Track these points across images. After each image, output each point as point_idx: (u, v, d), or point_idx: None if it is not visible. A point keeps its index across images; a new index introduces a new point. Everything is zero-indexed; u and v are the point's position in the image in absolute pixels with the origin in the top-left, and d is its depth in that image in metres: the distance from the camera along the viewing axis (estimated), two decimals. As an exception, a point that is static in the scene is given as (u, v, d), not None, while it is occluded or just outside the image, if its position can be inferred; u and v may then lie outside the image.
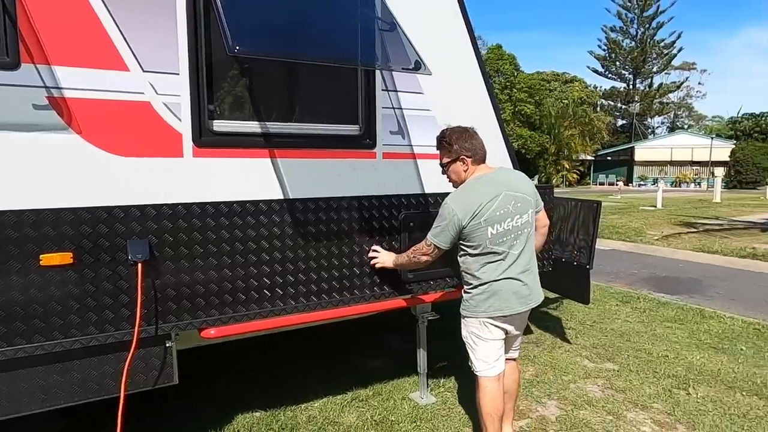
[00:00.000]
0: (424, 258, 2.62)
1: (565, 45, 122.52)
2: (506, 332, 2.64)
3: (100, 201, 2.24)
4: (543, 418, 3.25)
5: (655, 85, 56.86)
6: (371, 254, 2.95)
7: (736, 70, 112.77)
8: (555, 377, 3.86)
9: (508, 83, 35.98)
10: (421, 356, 3.43)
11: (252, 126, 2.67)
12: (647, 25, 54.42)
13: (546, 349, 4.42)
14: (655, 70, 56.48)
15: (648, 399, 3.50)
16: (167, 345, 2.49)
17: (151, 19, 2.32)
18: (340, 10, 2.69)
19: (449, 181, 2.71)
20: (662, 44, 54.84)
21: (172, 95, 2.38)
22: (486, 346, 2.60)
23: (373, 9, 2.68)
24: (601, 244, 10.27)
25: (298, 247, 2.75)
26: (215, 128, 2.54)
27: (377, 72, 2.93)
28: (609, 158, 46.23)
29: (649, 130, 58.05)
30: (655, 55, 55.41)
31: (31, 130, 2.11)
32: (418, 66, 2.59)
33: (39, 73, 2.10)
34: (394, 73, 2.99)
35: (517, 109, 35.93)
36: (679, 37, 54.41)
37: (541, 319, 5.22)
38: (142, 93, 2.32)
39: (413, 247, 2.68)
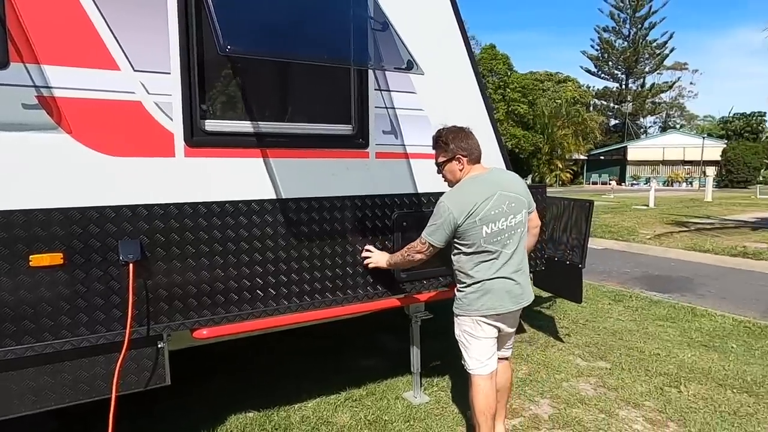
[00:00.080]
0: (419, 256, 2.62)
1: (558, 45, 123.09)
2: (499, 330, 2.66)
3: (90, 201, 2.23)
4: (536, 417, 3.27)
5: (648, 85, 57.23)
6: (364, 254, 2.96)
7: (727, 70, 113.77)
8: (548, 376, 3.87)
9: (501, 83, 36.08)
10: (415, 356, 3.43)
11: (244, 125, 2.66)
12: (639, 26, 54.76)
13: (539, 348, 4.44)
14: (647, 70, 56.84)
15: (640, 397, 3.53)
16: (159, 346, 2.48)
17: (141, 18, 2.31)
18: (332, 10, 2.68)
19: (444, 180, 2.71)
20: (654, 44, 55.21)
21: (163, 95, 2.37)
22: (479, 345, 2.62)
23: (365, 9, 2.68)
24: (594, 243, 10.34)
25: (291, 247, 2.74)
26: (207, 128, 2.53)
27: (370, 72, 2.93)
28: (602, 158, 46.47)
29: (642, 130, 58.41)
30: (647, 55, 55.75)
31: (21, 130, 2.09)
32: (410, 66, 2.60)
33: (28, 72, 2.08)
34: (386, 72, 2.99)
35: (510, 109, 36.04)
36: (671, 37, 54.86)
37: (534, 318, 5.24)
38: (133, 92, 2.30)
39: (407, 246, 2.68)
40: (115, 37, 2.25)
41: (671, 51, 55.42)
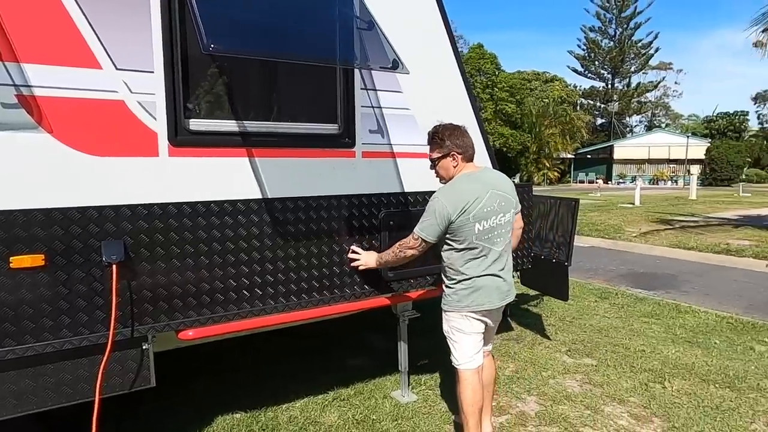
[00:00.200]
0: (411, 252, 2.63)
1: (546, 45, 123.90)
2: (486, 325, 2.70)
3: (72, 201, 2.20)
4: (522, 414, 3.29)
5: (633, 85, 57.82)
6: (351, 256, 2.95)
7: (711, 70, 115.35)
8: (535, 373, 3.90)
9: (489, 82, 36.21)
10: (402, 354, 3.44)
11: (229, 125, 2.64)
12: (625, 26, 55.27)
13: (526, 346, 4.47)
14: (633, 69, 57.43)
15: (625, 393, 3.57)
16: (144, 347, 2.45)
17: (124, 16, 2.28)
18: (317, 9, 2.67)
19: (437, 177, 2.73)
20: (640, 44, 55.76)
21: (146, 94, 2.35)
22: (467, 340, 2.66)
23: (351, 8, 2.67)
24: (580, 241, 10.43)
25: (277, 247, 2.73)
26: (191, 127, 2.51)
27: (356, 71, 2.93)
28: (589, 156, 46.86)
29: (628, 129, 59.02)
30: (633, 55, 56.31)
31: (0, 129, 2.05)
32: (396, 65, 2.60)
33: (7, 70, 2.05)
34: (372, 72, 2.99)
35: (498, 108, 36.19)
36: (656, 37, 55.43)
37: (521, 316, 5.28)
38: (116, 91, 2.28)
39: (398, 243, 2.68)
40: (97, 36, 2.22)
41: (656, 51, 56.11)
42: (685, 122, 61.63)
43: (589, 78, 58.44)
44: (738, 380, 3.76)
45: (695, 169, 27.03)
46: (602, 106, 57.16)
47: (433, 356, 3.95)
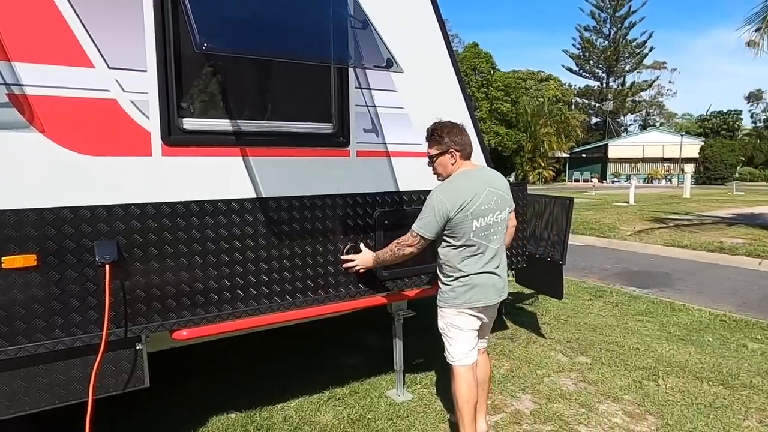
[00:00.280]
0: (409, 250, 2.63)
1: (541, 44, 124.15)
2: (481, 322, 2.73)
3: (65, 201, 2.19)
4: (517, 412, 3.30)
5: (628, 84, 58.00)
6: (346, 257, 2.92)
7: (705, 69, 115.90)
8: (530, 372, 3.91)
9: (484, 81, 36.24)
10: (398, 353, 3.44)
11: (223, 124, 2.64)
12: (620, 25, 55.44)
13: (521, 344, 4.48)
14: (627, 68, 57.59)
15: (619, 391, 3.58)
16: (137, 347, 2.44)
17: (116, 15, 2.27)
18: (312, 8, 2.67)
19: (434, 173, 2.74)
20: (634, 43, 55.95)
21: (139, 93, 2.33)
22: (463, 336, 2.68)
23: (345, 7, 2.67)
24: (575, 239, 10.47)
25: (272, 246, 2.73)
26: (185, 126, 2.50)
27: (350, 70, 2.92)
28: (584, 155, 46.99)
29: (622, 128, 59.20)
30: (627, 54, 56.48)
31: (-9, 129, 2.04)
32: (390, 64, 2.61)
33: (-2, 69, 2.03)
34: (367, 70, 2.98)
35: (493, 107, 36.22)
36: (650, 36, 55.62)
37: (516, 315, 5.29)
38: (108, 90, 2.26)
39: (396, 241, 2.68)
40: (89, 35, 2.21)
41: (650, 50, 56.28)
42: (679, 121, 61.93)
43: (583, 77, 58.63)
44: (731, 377, 3.78)
45: (689, 168, 27.15)
46: (597, 105, 57.34)
47: (428, 355, 3.95)
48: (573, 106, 53.10)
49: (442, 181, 2.68)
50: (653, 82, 59.29)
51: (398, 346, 3.43)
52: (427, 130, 2.70)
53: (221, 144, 2.59)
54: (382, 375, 3.77)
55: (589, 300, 6.01)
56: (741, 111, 52.75)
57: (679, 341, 4.58)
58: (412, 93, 3.19)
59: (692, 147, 40.73)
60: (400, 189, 3.18)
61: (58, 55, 2.14)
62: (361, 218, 3.02)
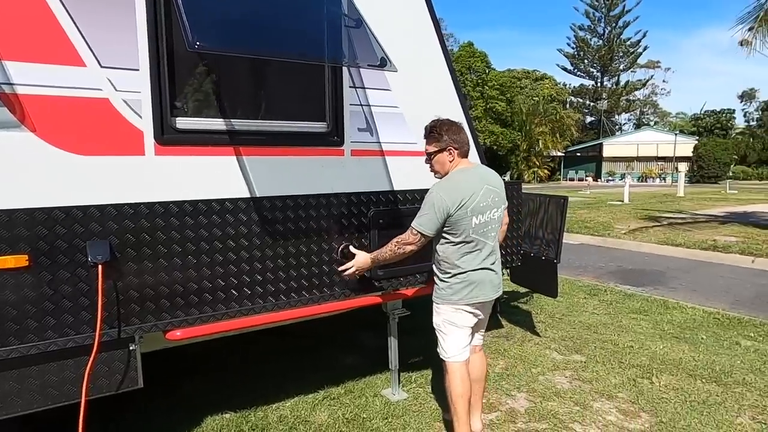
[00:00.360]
0: (409, 248, 2.64)
1: (536, 43, 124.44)
2: (477, 318, 2.76)
3: (56, 201, 2.17)
4: (512, 411, 3.30)
5: (622, 83, 58.22)
6: (343, 267, 2.86)
7: (698, 68, 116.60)
8: (525, 370, 3.92)
9: (480, 81, 36.29)
10: (393, 352, 3.44)
11: (217, 123, 2.62)
12: (614, 24, 55.62)
13: (516, 343, 4.49)
14: (621, 68, 57.81)
15: (613, 389, 3.60)
16: (131, 348, 2.43)
17: (108, 13, 2.25)
18: (305, 6, 2.66)
19: (431, 171, 2.74)
20: (628, 43, 56.15)
21: (131, 92, 2.32)
22: (459, 332, 2.71)
23: (339, 5, 2.66)
24: (570, 238, 10.51)
25: (266, 246, 2.72)
26: (178, 125, 2.49)
27: (344, 69, 2.91)
28: (578, 154, 47.14)
29: (617, 127, 59.47)
30: (621, 54, 56.69)
31: (-19, 128, 2.02)
32: (384, 63, 2.60)
33: (-11, 68, 2.02)
34: (361, 69, 2.98)
35: (489, 106, 36.29)
36: (644, 36, 55.88)
37: (511, 313, 5.30)
38: (100, 89, 2.25)
39: (396, 239, 2.67)
40: (81, 33, 2.19)
41: (644, 49, 56.52)
42: (673, 120, 62.22)
43: (578, 76, 58.83)
44: (724, 375, 3.80)
45: (683, 167, 27.30)
46: (591, 104, 57.54)
47: (423, 354, 3.95)
48: (568, 105, 53.27)
49: (440, 178, 2.70)
50: (647, 81, 59.64)
51: (393, 345, 3.43)
52: (426, 128, 2.71)
53: (215, 143, 2.57)
54: (377, 374, 3.77)
55: (584, 298, 6.03)
56: (734, 110, 53.26)
57: (672, 339, 4.61)
58: (406, 92, 3.19)
59: (686, 146, 40.95)
60: (395, 188, 3.18)
61: (49, 54, 2.13)
62: (355, 217, 3.02)
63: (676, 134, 43.82)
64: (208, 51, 2.33)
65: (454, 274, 2.64)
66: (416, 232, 2.59)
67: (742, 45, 12.91)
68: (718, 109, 52.74)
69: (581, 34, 56.73)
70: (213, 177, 2.56)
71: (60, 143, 2.18)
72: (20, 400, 2.19)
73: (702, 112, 53.98)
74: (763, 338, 4.63)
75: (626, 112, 61.92)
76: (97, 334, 2.24)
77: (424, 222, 2.57)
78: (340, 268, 2.88)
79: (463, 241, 2.59)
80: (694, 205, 17.88)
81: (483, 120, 35.55)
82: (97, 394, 2.35)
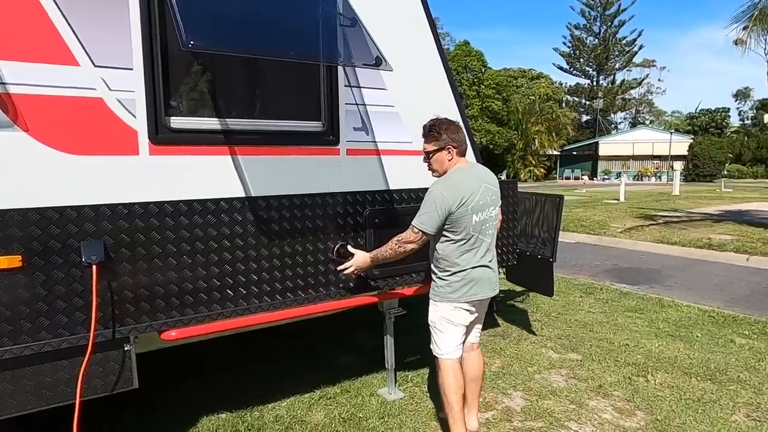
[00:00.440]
0: (411, 246, 2.64)
1: (532, 42, 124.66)
2: (474, 316, 2.79)
3: (50, 201, 2.16)
4: (508, 409, 3.31)
5: (618, 82, 58.42)
6: (341, 267, 2.85)
7: (693, 67, 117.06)
8: (521, 369, 3.93)
9: (476, 79, 36.29)
10: (389, 352, 3.44)
11: (212, 123, 2.61)
12: (609, 23, 55.77)
13: (512, 342, 4.50)
14: (617, 67, 57.98)
15: (609, 387, 3.61)
16: (126, 348, 2.42)
17: (102, 12, 2.24)
18: (300, 6, 2.66)
19: (429, 169, 2.75)
20: (624, 42, 56.31)
21: (125, 91, 2.31)
22: (455, 331, 2.74)
23: (334, 4, 2.66)
24: (566, 237, 10.53)
25: (261, 245, 2.71)
26: (173, 125, 2.48)
27: (340, 68, 2.91)
28: (574, 153, 47.26)
29: (613, 126, 59.61)
30: (617, 53, 56.85)
31: (-26, 128, 2.01)
32: (379, 62, 2.59)
33: (-19, 68, 2.00)
34: (356, 69, 2.97)
35: (485, 105, 36.30)
36: (639, 35, 56.00)
37: (507, 312, 5.31)
38: (94, 89, 2.23)
39: (396, 238, 2.66)
40: (74, 32, 2.18)
41: (640, 48, 56.71)
42: (668, 119, 62.44)
43: (574, 75, 58.95)
44: (719, 373, 3.82)
45: (678, 165, 27.38)
46: (587, 103, 57.69)
47: (419, 353, 3.95)
48: (564, 104, 53.38)
49: (437, 177, 2.72)
50: (643, 80, 59.84)
51: (389, 344, 3.43)
52: (424, 127, 2.72)
53: (209, 143, 2.56)
54: (373, 373, 3.77)
55: (580, 297, 6.05)
56: (729, 109, 53.41)
57: (668, 337, 4.62)
58: (402, 91, 3.18)
59: (681, 144, 41.11)
60: (391, 187, 3.18)
61: (42, 53, 2.11)
62: (351, 217, 3.02)
63: (671, 133, 43.96)
64: (201, 50, 2.33)
65: (454, 272, 2.66)
66: (417, 230, 2.59)
67: (736, 44, 12.98)
68: (713, 108, 52.94)
69: (577, 33, 56.90)
70: (208, 177, 2.55)
71: (53, 143, 2.16)
72: (14, 401, 2.18)
73: (697, 110, 54.18)
74: (757, 336, 4.66)
75: (622, 111, 62.14)
76: (91, 334, 2.22)
77: (425, 220, 2.58)
78: (339, 268, 2.87)
79: (464, 239, 2.61)
80: (690, 203, 17.95)
81: (479, 119, 35.56)
82: (91, 395, 2.34)
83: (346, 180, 2.99)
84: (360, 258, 2.81)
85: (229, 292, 2.63)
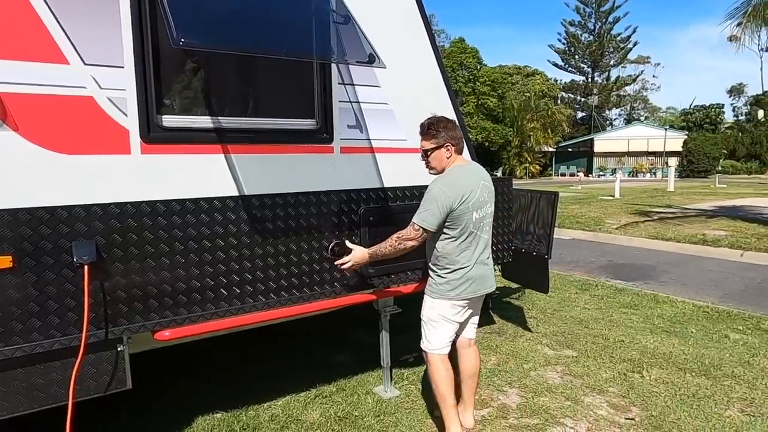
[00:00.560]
0: (411, 243, 2.63)
1: (527, 39, 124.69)
2: (469, 312, 2.83)
3: (40, 201, 2.14)
4: (504, 407, 3.31)
5: (613, 78, 58.55)
6: (340, 261, 2.82)
7: (688, 63, 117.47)
8: (516, 366, 3.93)
9: (471, 77, 36.34)
10: (385, 350, 3.43)
11: (204, 121, 2.59)
12: (604, 20, 55.84)
13: (508, 339, 4.50)
14: (612, 63, 58.09)
15: (604, 383, 3.62)
16: (119, 349, 2.40)
17: (92, 9, 2.22)
18: (292, 2, 2.64)
19: (427, 167, 2.76)
20: (618, 38, 56.41)
21: (116, 89, 2.28)
22: (449, 327, 2.77)
23: (327, 1, 2.64)
24: (561, 233, 10.55)
25: (255, 244, 2.70)
26: (165, 123, 2.46)
27: (333, 65, 2.89)
28: (570, 150, 47.37)
29: (608, 122, 59.80)
30: (612, 49, 56.95)
31: (-38, 128, 1.98)
32: (372, 59, 2.58)
33: (-32, 66, 1.98)
34: (350, 66, 2.96)
35: (480, 102, 36.36)
36: (634, 31, 56.13)
37: (503, 309, 5.31)
38: (84, 87, 2.21)
39: (396, 235, 2.65)
40: (64, 30, 2.15)
41: (635, 45, 56.84)
42: (663, 115, 62.69)
43: (569, 72, 59.05)
44: (713, 368, 3.84)
45: (673, 162, 27.42)
46: (582, 99, 57.79)
47: (415, 351, 3.91)
48: (559, 101, 53.46)
49: (435, 174, 2.73)
50: (637, 76, 60.00)
51: (385, 342, 3.42)
52: (423, 125, 2.72)
53: (202, 141, 2.55)
54: (369, 372, 3.76)
55: (575, 293, 6.06)
56: (723, 105, 53.63)
57: (663, 333, 4.64)
58: (396, 88, 3.17)
59: (676, 140, 41.27)
60: (385, 185, 3.16)
61: (30, 52, 2.09)
62: (345, 215, 3.00)
63: (666, 129, 44.16)
64: (192, 48, 2.31)
65: (454, 270, 2.67)
66: (418, 227, 2.59)
67: (731, 40, 13.02)
68: (707, 104, 53.11)
69: (572, 29, 56.95)
70: (201, 175, 2.53)
71: (43, 142, 2.14)
72: (6, 403, 2.16)
73: (691, 107, 54.35)
74: (751, 331, 4.68)
75: (617, 108, 62.32)
76: (83, 335, 2.21)
77: (426, 217, 2.57)
78: (337, 262, 2.84)
79: (464, 237, 2.63)
80: (684, 199, 18.02)
81: (475, 116, 35.60)
82: (84, 396, 2.32)
83: (340, 178, 2.98)
84: (358, 253, 2.79)
85: (223, 291, 2.62)
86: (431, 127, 2.68)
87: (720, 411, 3.21)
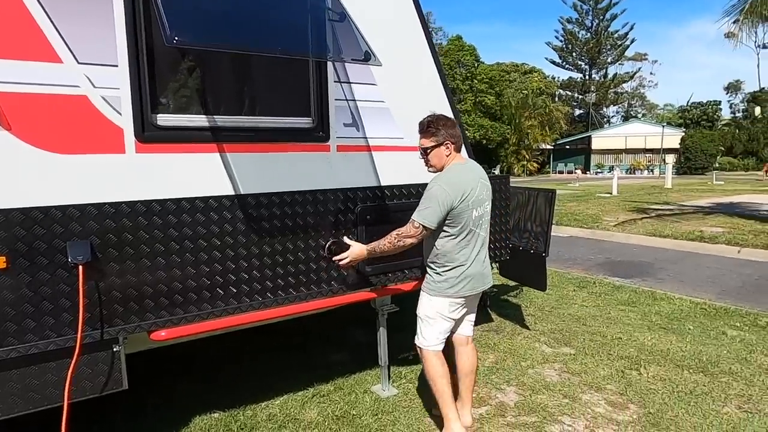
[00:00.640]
0: (410, 240, 2.62)
1: (524, 37, 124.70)
2: (466, 309, 2.85)
3: (34, 201, 2.12)
4: (502, 404, 3.31)
5: (610, 76, 58.58)
6: (338, 257, 2.79)
7: (685, 60, 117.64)
8: (514, 363, 3.93)
9: (469, 74, 36.31)
10: (382, 349, 3.43)
11: (199, 120, 2.58)
12: (601, 17, 55.89)
13: (506, 336, 4.50)
14: (609, 60, 58.16)
15: (602, 381, 3.62)
16: (114, 349, 2.39)
17: (85, 8, 2.20)
18: (288, 0, 2.62)
19: (426, 165, 2.76)
20: (616, 35, 56.49)
21: (110, 88, 2.27)
22: (444, 324, 2.79)
23: (322, -1, 2.63)
24: (559, 231, 10.56)
25: (251, 243, 2.69)
26: (159, 122, 2.44)
27: (329, 63, 2.88)
28: (567, 147, 47.40)
29: (605, 120, 59.85)
30: (609, 46, 57.01)
31: (-46, 127, 1.97)
32: (368, 57, 2.56)
33: (-40, 65, 1.96)
34: (346, 64, 2.94)
35: (478, 100, 36.34)
36: (631, 28, 56.27)
37: (501, 307, 5.31)
38: (78, 86, 2.20)
39: (396, 232, 2.63)
40: (57, 29, 2.14)
41: (632, 42, 56.94)
42: (660, 112, 62.74)
43: (566, 69, 59.11)
44: (711, 365, 3.84)
45: (670, 159, 27.44)
46: (580, 97, 57.86)
47: (412, 350, 3.93)
48: (556, 98, 53.45)
49: (434, 172, 2.73)
50: (635, 73, 60.05)
51: (383, 341, 3.42)
52: (422, 123, 2.72)
53: (197, 140, 2.53)
54: (366, 371, 3.76)
55: (573, 291, 6.06)
56: (720, 101, 53.66)
57: (660, 330, 4.64)
58: (392, 86, 3.16)
59: (673, 137, 41.32)
60: (382, 183, 3.15)
61: (23, 50, 2.07)
62: (342, 214, 2.99)
63: (663, 126, 44.18)
64: (186, 47, 2.29)
65: (452, 267, 2.68)
66: (418, 225, 2.59)
67: (727, 37, 13.04)
68: (704, 101, 53.17)
69: (569, 27, 56.97)
70: (196, 174, 2.52)
71: (37, 142, 2.12)
72: (1, 404, 2.15)
73: (689, 104, 54.40)
74: (749, 328, 4.69)
75: (614, 105, 62.38)
76: (78, 336, 2.20)
77: (427, 215, 2.57)
78: (335, 258, 2.81)
79: (463, 235, 2.64)
80: (682, 196, 18.05)
81: (472, 113, 35.59)
82: (80, 397, 2.31)
83: (336, 176, 2.97)
84: (357, 249, 2.76)
85: (219, 291, 2.61)
86: (431, 125, 2.68)
87: (717, 408, 3.22)
